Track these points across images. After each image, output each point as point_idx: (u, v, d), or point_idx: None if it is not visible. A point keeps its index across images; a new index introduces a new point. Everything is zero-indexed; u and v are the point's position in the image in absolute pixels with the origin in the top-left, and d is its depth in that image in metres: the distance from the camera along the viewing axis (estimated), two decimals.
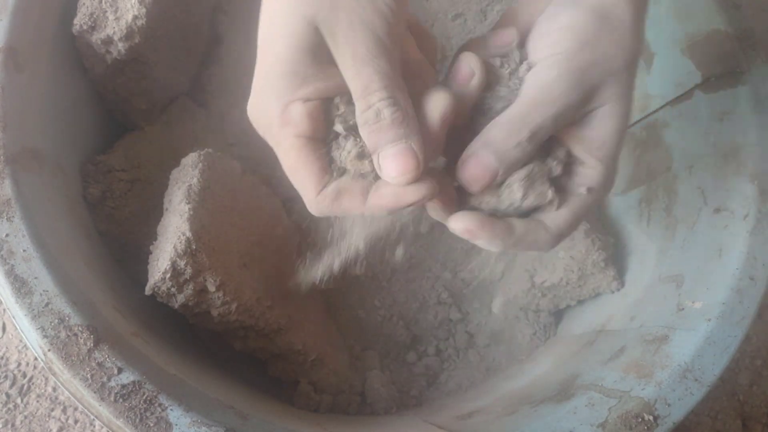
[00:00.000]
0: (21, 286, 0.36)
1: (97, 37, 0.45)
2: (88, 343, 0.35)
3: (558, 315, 0.60)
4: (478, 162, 0.30)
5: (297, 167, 0.31)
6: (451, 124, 0.31)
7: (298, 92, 0.30)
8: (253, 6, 0.58)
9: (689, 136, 0.52)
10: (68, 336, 0.35)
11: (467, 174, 0.30)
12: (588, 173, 0.32)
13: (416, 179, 0.29)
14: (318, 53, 0.29)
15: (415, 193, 0.29)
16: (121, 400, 0.35)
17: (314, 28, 0.29)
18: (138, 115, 0.52)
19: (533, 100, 0.30)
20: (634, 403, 0.40)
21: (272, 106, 0.30)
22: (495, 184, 0.31)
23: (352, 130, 0.30)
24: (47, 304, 0.36)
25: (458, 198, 0.33)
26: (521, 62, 0.31)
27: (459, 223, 0.31)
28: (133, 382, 0.35)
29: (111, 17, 0.45)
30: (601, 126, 0.31)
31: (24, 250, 0.37)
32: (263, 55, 0.31)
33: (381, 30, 0.29)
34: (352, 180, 0.31)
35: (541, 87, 0.30)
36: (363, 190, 0.30)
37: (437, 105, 0.30)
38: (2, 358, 0.59)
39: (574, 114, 0.30)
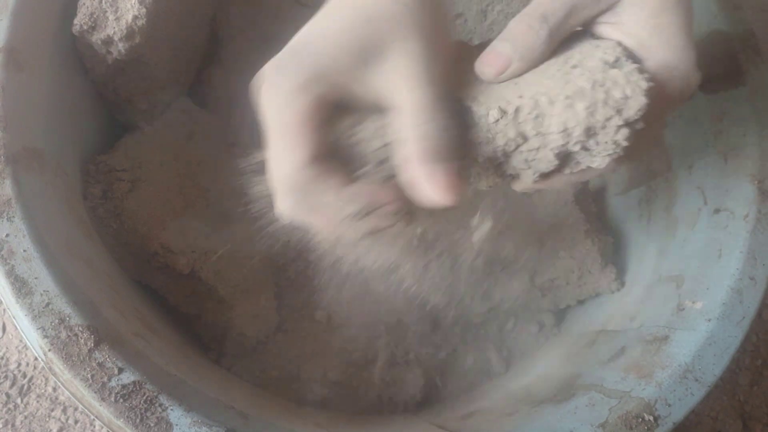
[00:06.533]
0: (21, 286, 0.36)
1: (97, 38, 0.45)
2: (89, 344, 0.35)
3: (558, 315, 0.60)
4: (492, 49, 0.30)
5: (292, 122, 0.27)
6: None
7: (330, 79, 0.27)
8: (253, 6, 0.59)
9: (689, 136, 0.52)
10: (69, 336, 0.35)
11: (481, 61, 0.30)
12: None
13: (457, 197, 0.28)
14: (368, 58, 0.28)
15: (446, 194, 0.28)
16: (121, 400, 0.35)
17: (379, 33, 0.27)
18: (138, 115, 0.52)
19: None
20: (635, 403, 0.40)
21: (300, 71, 0.27)
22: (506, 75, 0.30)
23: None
24: (47, 305, 0.36)
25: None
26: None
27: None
28: (134, 382, 0.35)
29: (111, 17, 0.45)
30: (631, 7, 0.30)
31: (24, 250, 0.37)
32: (325, 20, 0.28)
33: (448, 62, 0.30)
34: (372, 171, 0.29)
35: None
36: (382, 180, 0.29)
37: None
38: (2, 358, 0.59)
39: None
